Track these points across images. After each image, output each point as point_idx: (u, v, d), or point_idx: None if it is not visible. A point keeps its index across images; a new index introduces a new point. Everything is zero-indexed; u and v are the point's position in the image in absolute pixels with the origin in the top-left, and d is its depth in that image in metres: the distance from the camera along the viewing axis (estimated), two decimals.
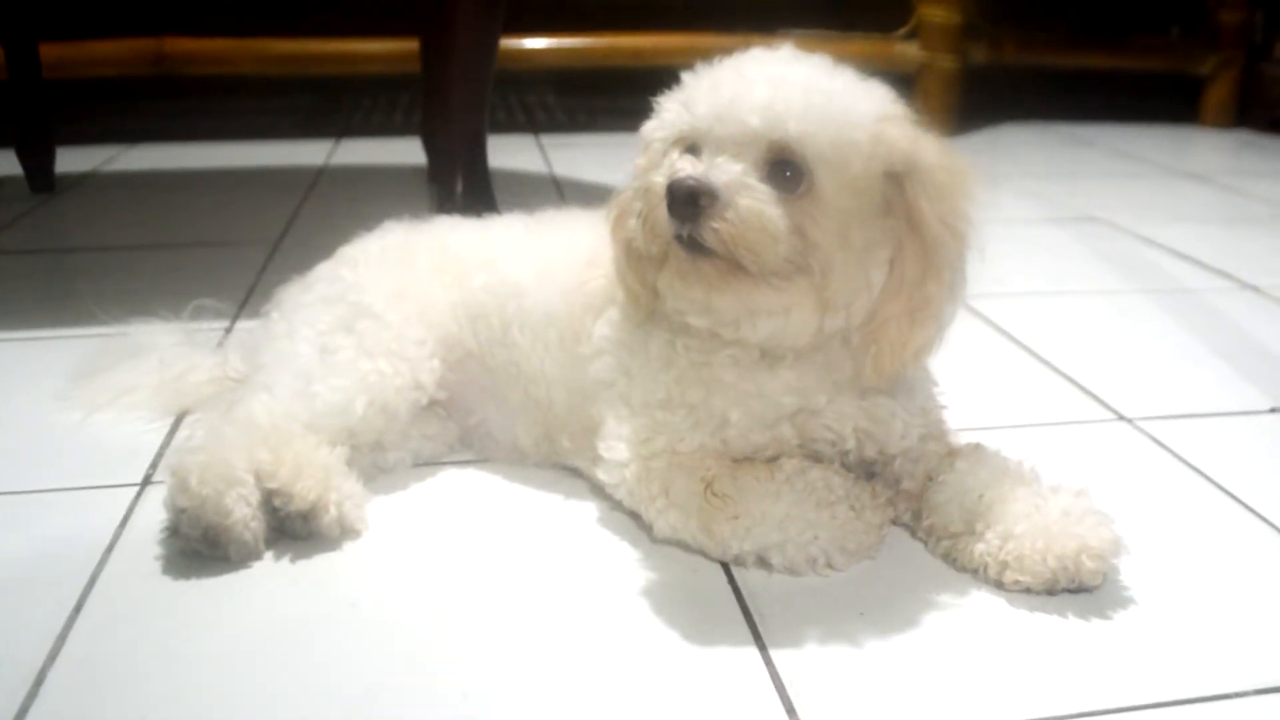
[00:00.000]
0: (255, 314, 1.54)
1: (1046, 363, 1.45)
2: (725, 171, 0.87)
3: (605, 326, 1.07)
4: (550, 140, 3.06)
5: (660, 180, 0.89)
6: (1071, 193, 2.50)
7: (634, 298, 1.01)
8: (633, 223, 0.94)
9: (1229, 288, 1.80)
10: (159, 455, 1.18)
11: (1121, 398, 1.34)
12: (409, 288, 1.16)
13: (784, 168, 0.89)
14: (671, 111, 0.94)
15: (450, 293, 1.16)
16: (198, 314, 1.42)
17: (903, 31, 3.16)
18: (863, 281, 0.93)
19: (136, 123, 3.15)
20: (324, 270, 1.22)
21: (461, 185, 1.75)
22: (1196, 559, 1.00)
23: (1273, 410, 1.32)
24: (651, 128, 0.96)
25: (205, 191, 2.53)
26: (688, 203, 0.86)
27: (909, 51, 3.11)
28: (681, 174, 0.87)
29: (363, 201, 2.36)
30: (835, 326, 0.95)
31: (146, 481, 1.13)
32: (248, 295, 1.70)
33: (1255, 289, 1.79)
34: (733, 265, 0.89)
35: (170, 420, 1.26)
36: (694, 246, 0.88)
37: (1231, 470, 1.15)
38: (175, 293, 1.48)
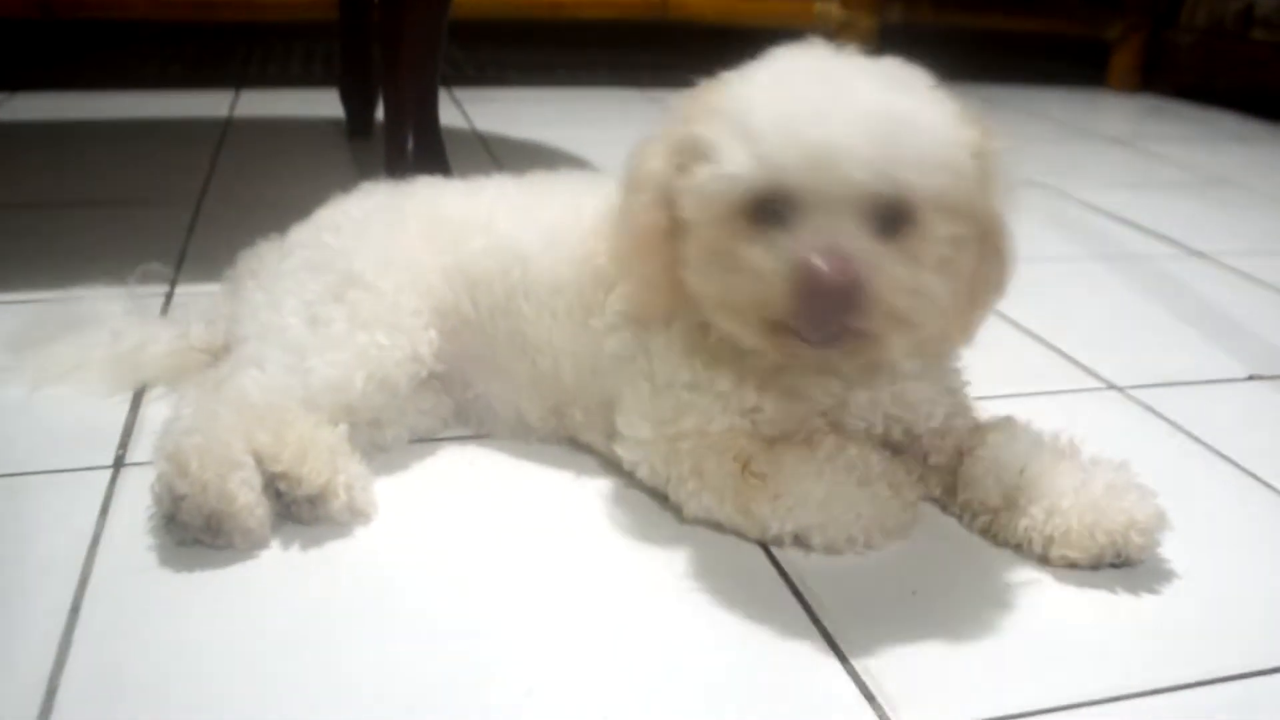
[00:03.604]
0: (196, 278, 1.46)
1: (1025, 329, 1.45)
2: (860, 251, 0.78)
3: (620, 302, 1.02)
4: (465, 95, 2.96)
5: (776, 266, 0.79)
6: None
7: (652, 298, 0.95)
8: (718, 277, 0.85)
9: (1177, 254, 1.83)
10: (126, 434, 1.09)
11: (1106, 365, 1.34)
12: (400, 254, 1.08)
13: (889, 215, 0.80)
14: (737, 161, 0.80)
15: (444, 259, 1.09)
16: (145, 278, 1.32)
17: None
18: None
19: (17, 69, 2.95)
20: (303, 235, 1.14)
21: (413, 142, 1.66)
22: (1227, 531, 1.01)
23: (1251, 377, 1.34)
24: (709, 183, 0.82)
25: (104, 144, 2.36)
26: (835, 309, 0.78)
27: (830, 10, 3.10)
28: (815, 267, 0.77)
29: (281, 156, 2.24)
30: None
31: (119, 464, 1.04)
32: (181, 257, 1.59)
33: (1201, 255, 1.82)
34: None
35: (129, 395, 1.16)
36: (829, 343, 0.82)
37: (1232, 439, 1.16)
38: (100, 254, 1.38)
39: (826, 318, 0.79)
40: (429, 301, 1.07)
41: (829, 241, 0.78)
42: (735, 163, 0.80)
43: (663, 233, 0.89)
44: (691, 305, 0.91)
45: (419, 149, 1.67)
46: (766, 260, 0.80)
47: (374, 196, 1.17)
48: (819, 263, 0.77)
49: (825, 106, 0.79)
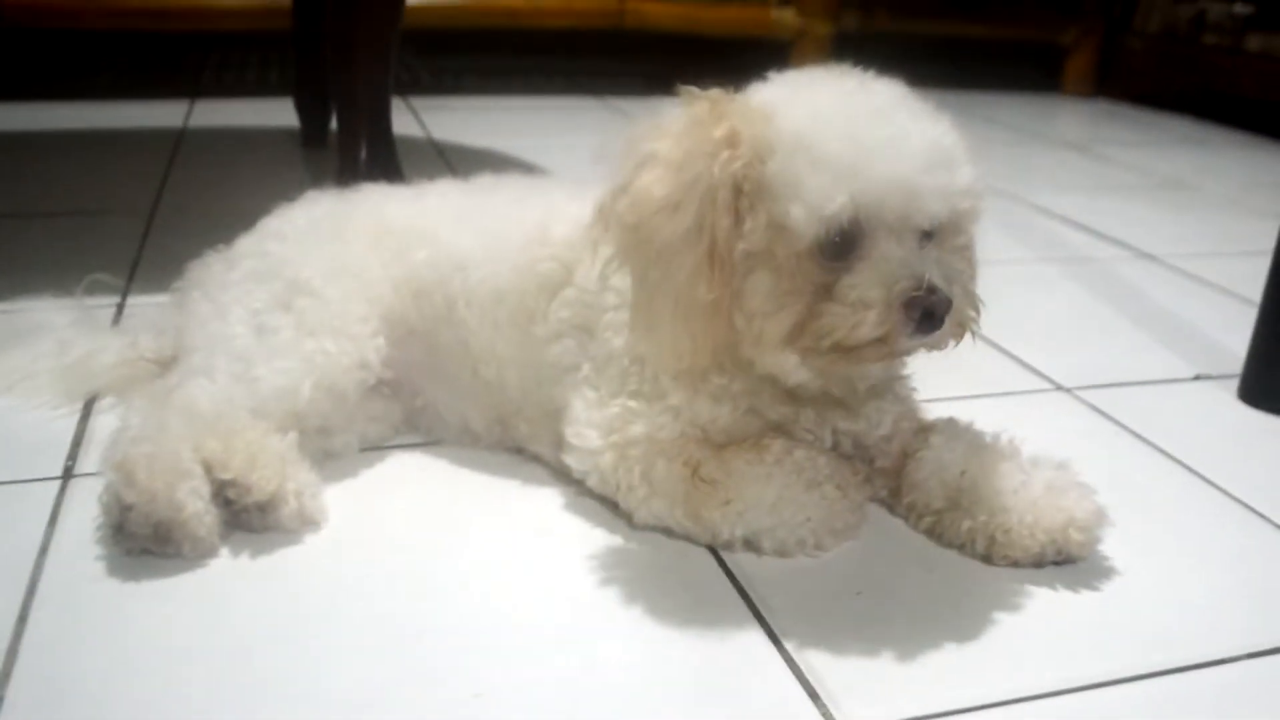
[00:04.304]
0: (148, 289, 1.45)
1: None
2: (940, 272, 0.85)
3: (563, 309, 1.02)
4: (421, 103, 2.95)
5: (880, 292, 0.83)
6: None
7: (700, 352, 0.91)
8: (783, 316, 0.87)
9: (1127, 256, 1.85)
10: (75, 445, 1.08)
11: (1055, 366, 1.36)
12: (346, 262, 1.08)
13: (927, 234, 0.88)
14: (836, 200, 0.82)
15: (391, 268, 1.09)
16: (93, 289, 1.31)
17: None
18: None
19: None
20: (248, 245, 1.14)
21: (365, 151, 1.66)
22: (1169, 528, 1.02)
23: (1197, 377, 1.36)
24: (802, 223, 0.83)
25: (58, 155, 2.34)
26: (925, 322, 0.84)
27: (785, 18, 3.11)
28: (916, 291, 0.83)
29: (236, 166, 2.23)
30: None
31: (68, 474, 1.03)
32: (133, 268, 1.58)
33: (1152, 257, 1.85)
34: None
35: (78, 406, 1.16)
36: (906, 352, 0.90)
37: (1176, 438, 1.18)
38: (52, 265, 1.37)
39: (929, 329, 0.84)
40: (376, 309, 1.07)
41: (915, 264, 0.84)
42: (835, 202, 0.83)
43: (730, 283, 0.88)
44: (730, 348, 0.92)
45: (372, 158, 1.67)
46: (868, 288, 0.84)
47: (319, 205, 1.17)
48: (922, 284, 0.83)
49: (896, 142, 0.84)
